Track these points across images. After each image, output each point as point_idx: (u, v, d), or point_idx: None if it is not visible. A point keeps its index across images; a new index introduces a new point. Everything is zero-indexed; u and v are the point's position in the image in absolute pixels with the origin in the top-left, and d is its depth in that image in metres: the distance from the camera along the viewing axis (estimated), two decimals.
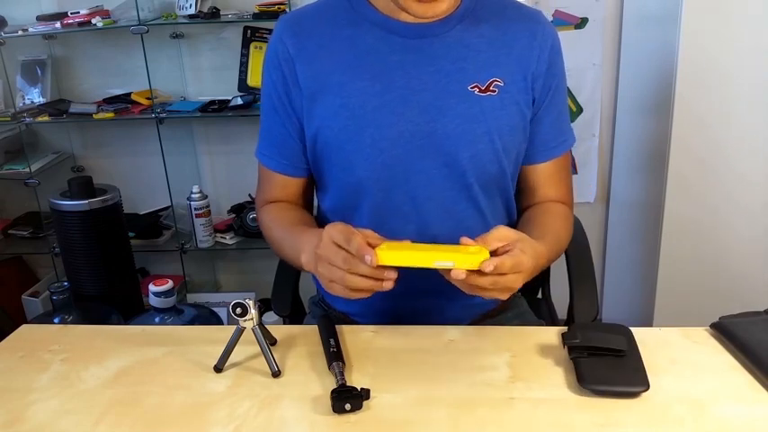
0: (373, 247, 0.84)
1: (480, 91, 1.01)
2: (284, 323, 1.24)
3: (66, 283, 1.74)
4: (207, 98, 2.24)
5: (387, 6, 1.01)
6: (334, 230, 0.88)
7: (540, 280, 1.38)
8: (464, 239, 0.87)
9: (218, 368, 0.92)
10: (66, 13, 2.08)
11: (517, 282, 0.86)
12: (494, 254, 0.85)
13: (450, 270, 0.83)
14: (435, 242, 1.05)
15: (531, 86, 1.04)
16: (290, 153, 1.10)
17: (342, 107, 1.01)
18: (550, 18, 2.11)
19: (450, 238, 1.06)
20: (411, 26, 1.01)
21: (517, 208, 1.16)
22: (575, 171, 2.23)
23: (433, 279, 0.88)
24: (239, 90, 2.20)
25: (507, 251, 0.86)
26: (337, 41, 1.03)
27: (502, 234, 0.88)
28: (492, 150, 1.03)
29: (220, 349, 0.92)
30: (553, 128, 1.10)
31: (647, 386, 0.83)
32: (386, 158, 1.01)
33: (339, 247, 0.86)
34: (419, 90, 1.00)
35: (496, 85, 1.02)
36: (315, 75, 1.03)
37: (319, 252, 0.89)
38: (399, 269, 0.86)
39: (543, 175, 1.12)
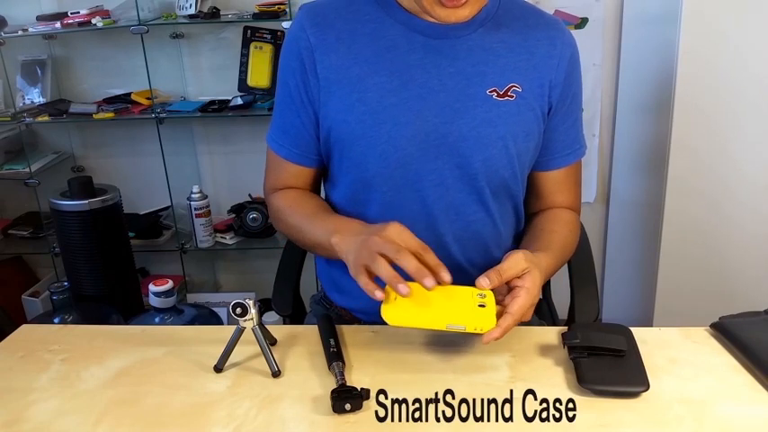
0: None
1: (498, 96, 1.01)
2: (284, 323, 1.24)
3: (66, 283, 1.73)
4: (207, 98, 2.24)
5: (411, 5, 1.01)
6: (397, 232, 0.89)
7: None
8: (478, 282, 0.89)
9: (218, 368, 0.92)
10: (67, 13, 2.07)
11: (528, 315, 0.90)
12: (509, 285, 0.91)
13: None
14: (442, 242, 1.06)
15: (548, 94, 1.04)
16: (302, 143, 1.09)
17: (358, 101, 1.01)
18: None
19: (457, 239, 1.07)
20: (434, 26, 1.01)
21: (525, 211, 1.16)
22: None
23: None
24: (239, 90, 2.19)
25: (517, 286, 0.90)
26: (359, 35, 1.02)
27: (518, 265, 0.91)
28: (506, 156, 1.03)
29: (220, 349, 0.92)
30: (568, 136, 1.10)
31: (647, 386, 0.83)
32: (399, 156, 1.01)
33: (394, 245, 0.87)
34: (437, 90, 1.00)
35: (514, 91, 1.02)
36: (333, 67, 1.02)
37: (372, 244, 0.88)
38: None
39: (554, 181, 1.13)
